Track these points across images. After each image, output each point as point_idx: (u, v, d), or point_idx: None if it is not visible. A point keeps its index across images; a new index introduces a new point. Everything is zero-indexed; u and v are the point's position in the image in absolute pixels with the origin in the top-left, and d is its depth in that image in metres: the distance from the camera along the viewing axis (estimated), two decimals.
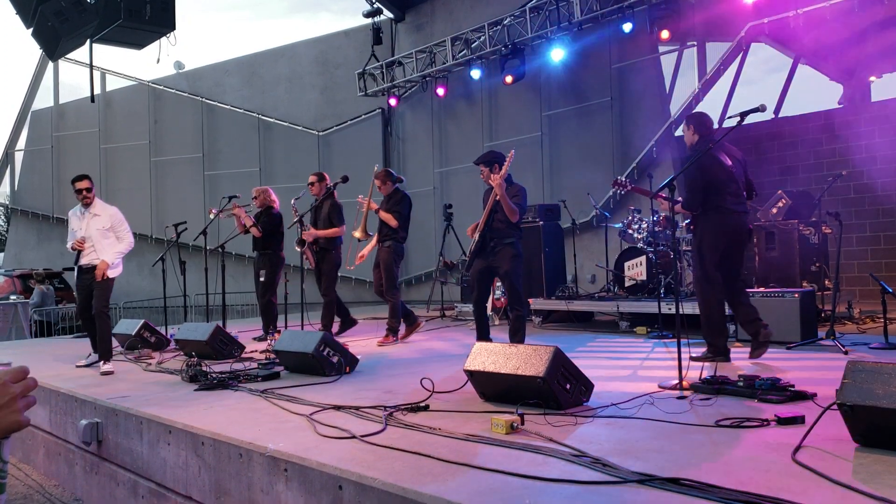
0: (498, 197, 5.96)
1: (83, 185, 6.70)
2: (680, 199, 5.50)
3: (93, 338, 6.85)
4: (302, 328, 6.72)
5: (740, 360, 5.54)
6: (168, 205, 18.26)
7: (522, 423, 3.51)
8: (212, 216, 8.36)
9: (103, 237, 6.68)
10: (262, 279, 8.35)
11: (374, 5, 15.65)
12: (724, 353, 5.56)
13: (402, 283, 16.18)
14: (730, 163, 5.59)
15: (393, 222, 7.67)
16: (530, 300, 9.15)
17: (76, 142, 19.80)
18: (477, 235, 6.16)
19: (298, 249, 7.63)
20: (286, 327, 7.18)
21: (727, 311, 5.81)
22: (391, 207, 7.75)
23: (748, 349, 5.73)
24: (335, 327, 8.33)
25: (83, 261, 6.71)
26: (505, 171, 6.02)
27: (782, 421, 3.42)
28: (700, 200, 5.53)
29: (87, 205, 6.71)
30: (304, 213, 7.71)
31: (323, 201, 8.08)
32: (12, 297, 14.27)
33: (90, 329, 6.85)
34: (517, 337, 6.10)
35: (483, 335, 6.32)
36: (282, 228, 8.45)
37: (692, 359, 5.43)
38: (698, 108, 11.70)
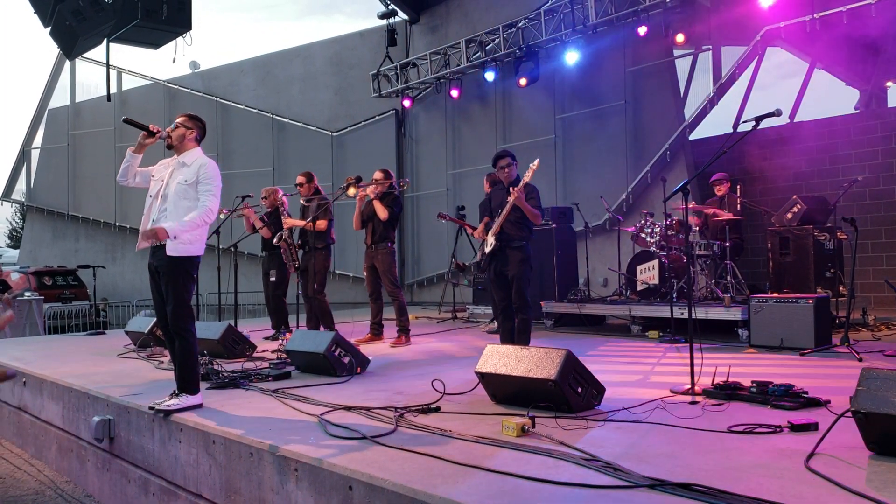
0: (518, 205, 5.94)
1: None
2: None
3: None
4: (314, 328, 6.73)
5: (745, 366, 5.51)
6: None
7: (533, 426, 3.51)
8: (223, 216, 8.35)
9: (183, 197, 4.66)
10: (272, 279, 8.38)
11: (389, 7, 15.69)
12: None
13: (414, 284, 16.22)
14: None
15: (384, 213, 7.65)
16: (542, 303, 9.13)
17: (92, 140, 19.97)
18: (492, 238, 6.13)
19: (276, 243, 7.80)
20: (297, 326, 7.18)
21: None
22: (385, 203, 7.74)
23: (761, 355, 5.86)
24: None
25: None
26: (529, 179, 6.00)
27: (795, 428, 3.40)
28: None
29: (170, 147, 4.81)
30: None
31: (311, 200, 8.04)
32: (27, 293, 14.36)
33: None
34: (522, 339, 6.08)
35: (508, 338, 6.30)
36: None
37: (488, 332, 8.11)
38: (713, 112, 11.67)
